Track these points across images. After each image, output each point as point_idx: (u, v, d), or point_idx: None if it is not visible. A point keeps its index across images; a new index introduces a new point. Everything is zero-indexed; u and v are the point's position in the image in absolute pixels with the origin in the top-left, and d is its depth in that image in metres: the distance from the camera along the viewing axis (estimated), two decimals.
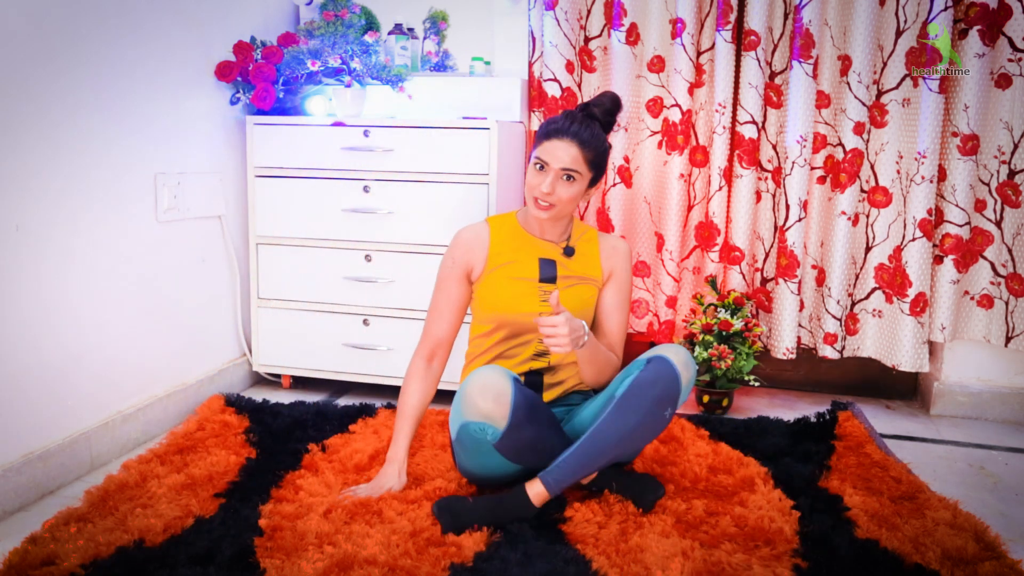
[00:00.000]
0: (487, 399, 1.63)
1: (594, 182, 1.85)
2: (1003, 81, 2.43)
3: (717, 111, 2.61)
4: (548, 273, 1.87)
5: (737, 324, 2.51)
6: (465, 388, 1.67)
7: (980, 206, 2.53)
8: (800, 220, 2.59)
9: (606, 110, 1.85)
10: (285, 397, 2.60)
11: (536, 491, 1.67)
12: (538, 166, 1.79)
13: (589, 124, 1.80)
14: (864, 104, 2.55)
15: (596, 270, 1.92)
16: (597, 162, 1.81)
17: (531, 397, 1.69)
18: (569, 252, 1.90)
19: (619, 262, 1.94)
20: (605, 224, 2.76)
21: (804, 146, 2.56)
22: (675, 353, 1.73)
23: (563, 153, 1.76)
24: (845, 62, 2.56)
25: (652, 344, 2.85)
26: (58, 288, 1.96)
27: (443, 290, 1.91)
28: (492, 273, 1.87)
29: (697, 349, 2.51)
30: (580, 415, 1.87)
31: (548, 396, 1.91)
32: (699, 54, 2.65)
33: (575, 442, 1.70)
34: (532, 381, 1.89)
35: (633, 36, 2.68)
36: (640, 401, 1.67)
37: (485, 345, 1.91)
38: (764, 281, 2.73)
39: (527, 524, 1.65)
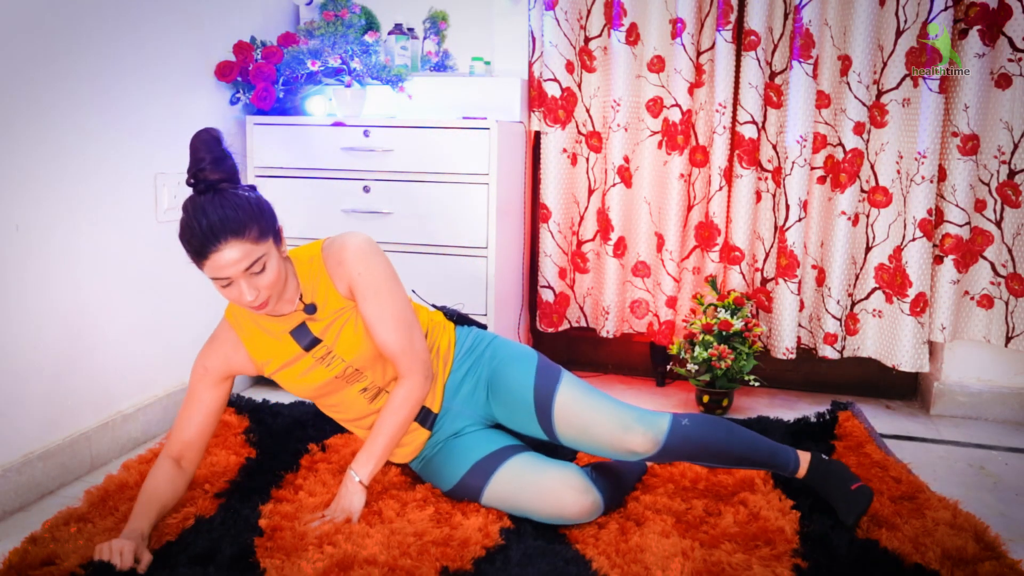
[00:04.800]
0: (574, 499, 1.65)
1: (278, 237, 1.59)
2: (1003, 81, 2.43)
3: (717, 111, 2.61)
4: (306, 340, 1.67)
5: (737, 324, 2.51)
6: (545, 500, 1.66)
7: (980, 206, 2.53)
8: (800, 220, 2.59)
9: (214, 160, 1.51)
10: (285, 397, 2.59)
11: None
12: (222, 284, 1.52)
13: (220, 202, 1.48)
14: (864, 104, 2.55)
15: (336, 298, 1.67)
16: (263, 226, 1.53)
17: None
18: (311, 309, 1.66)
19: (349, 270, 1.65)
20: (605, 224, 2.76)
21: (804, 146, 2.56)
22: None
23: (230, 260, 1.48)
24: (845, 62, 2.56)
25: (652, 344, 2.85)
26: (58, 288, 1.96)
27: (194, 396, 1.70)
28: (273, 375, 1.72)
29: (697, 349, 2.51)
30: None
31: (438, 408, 1.80)
32: (699, 54, 2.65)
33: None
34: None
35: (633, 36, 2.68)
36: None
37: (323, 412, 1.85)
38: (764, 281, 2.73)
39: (528, 524, 1.65)
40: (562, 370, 1.81)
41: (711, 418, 1.75)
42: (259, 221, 1.52)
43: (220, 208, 1.48)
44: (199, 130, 1.53)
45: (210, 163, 1.50)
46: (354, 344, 1.69)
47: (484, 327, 1.96)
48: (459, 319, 1.94)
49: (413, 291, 1.98)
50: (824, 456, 1.79)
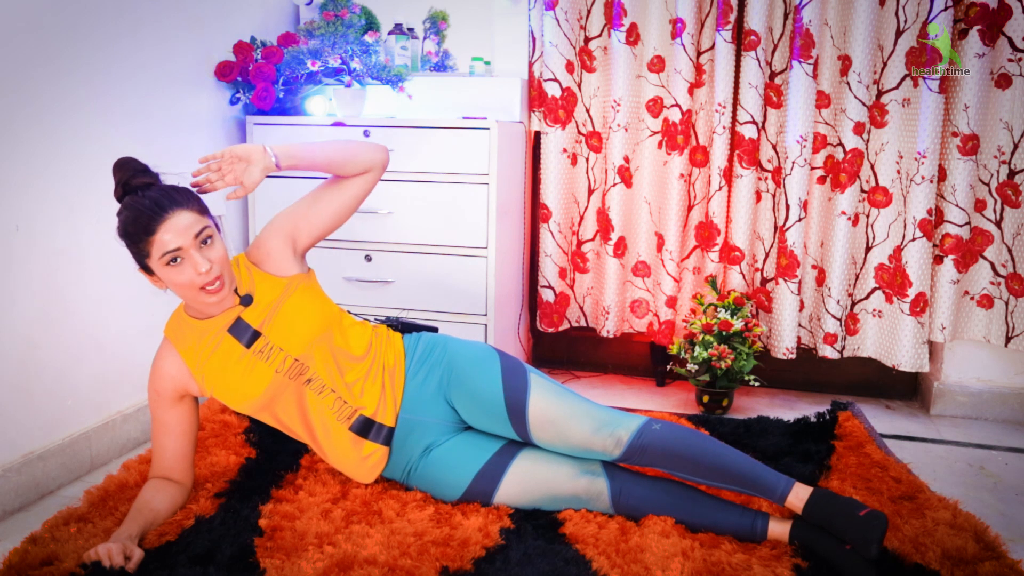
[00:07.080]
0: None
1: (217, 227, 1.64)
2: (1003, 81, 2.43)
3: (717, 111, 2.61)
4: (246, 334, 1.67)
5: (737, 324, 2.51)
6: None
7: (980, 206, 2.53)
8: (800, 220, 2.59)
9: (135, 171, 1.59)
10: None
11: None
12: (171, 260, 1.54)
13: (155, 189, 1.57)
14: (864, 104, 2.55)
15: (276, 283, 1.71)
16: (202, 206, 1.61)
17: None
18: (247, 300, 1.68)
19: (263, 233, 1.75)
20: (605, 224, 2.76)
21: (804, 146, 2.56)
22: None
23: (180, 227, 1.53)
24: (845, 62, 2.56)
25: (652, 344, 2.85)
26: (58, 288, 1.97)
27: (158, 421, 1.71)
28: (210, 380, 1.68)
29: (697, 349, 2.51)
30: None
31: (393, 422, 1.76)
32: (699, 54, 2.65)
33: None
34: (362, 425, 1.74)
35: (633, 36, 2.68)
36: None
37: (284, 431, 1.79)
38: (764, 281, 2.73)
39: (528, 524, 1.65)
40: (528, 369, 1.80)
41: (686, 427, 1.70)
42: (198, 201, 1.60)
43: (159, 191, 1.57)
44: (116, 160, 1.61)
45: (132, 175, 1.59)
46: (290, 328, 1.69)
47: (434, 330, 1.94)
48: (406, 327, 1.91)
49: (349, 310, 1.97)
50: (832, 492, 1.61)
